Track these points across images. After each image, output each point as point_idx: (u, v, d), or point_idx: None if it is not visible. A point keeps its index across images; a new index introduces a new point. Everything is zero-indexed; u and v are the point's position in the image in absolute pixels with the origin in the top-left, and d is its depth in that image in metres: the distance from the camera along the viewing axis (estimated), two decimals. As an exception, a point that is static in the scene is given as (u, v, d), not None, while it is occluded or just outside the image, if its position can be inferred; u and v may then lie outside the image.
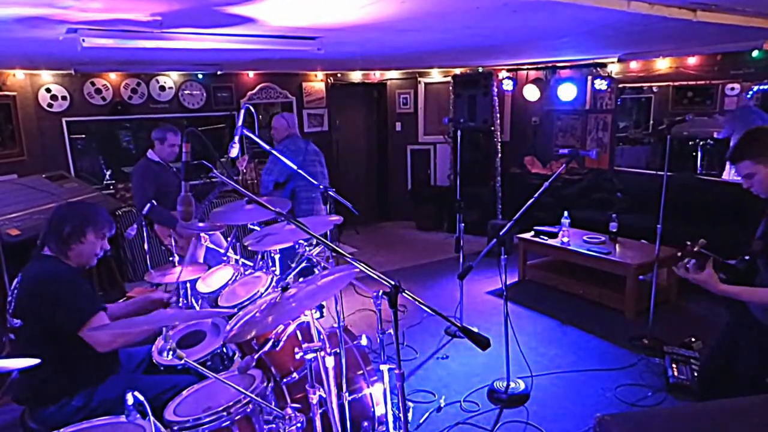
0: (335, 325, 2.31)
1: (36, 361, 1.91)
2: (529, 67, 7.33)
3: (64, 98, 5.82)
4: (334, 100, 7.76)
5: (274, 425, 2.00)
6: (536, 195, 3.22)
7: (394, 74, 8.00)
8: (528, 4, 2.66)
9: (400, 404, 1.74)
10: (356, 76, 7.81)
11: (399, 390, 1.69)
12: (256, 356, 2.12)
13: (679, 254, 2.27)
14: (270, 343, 2.22)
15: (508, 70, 7.47)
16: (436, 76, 7.90)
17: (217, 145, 6.48)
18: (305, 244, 2.70)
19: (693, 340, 3.78)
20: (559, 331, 4.38)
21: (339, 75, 7.68)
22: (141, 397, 1.67)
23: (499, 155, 7.18)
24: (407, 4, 2.54)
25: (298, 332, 2.33)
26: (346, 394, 2.27)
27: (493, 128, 7.09)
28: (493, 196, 7.16)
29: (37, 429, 2.23)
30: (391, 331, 1.63)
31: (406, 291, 1.62)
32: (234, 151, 2.66)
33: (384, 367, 2.28)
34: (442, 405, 3.28)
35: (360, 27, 3.20)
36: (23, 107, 5.59)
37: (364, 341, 2.50)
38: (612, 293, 4.73)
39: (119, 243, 5.47)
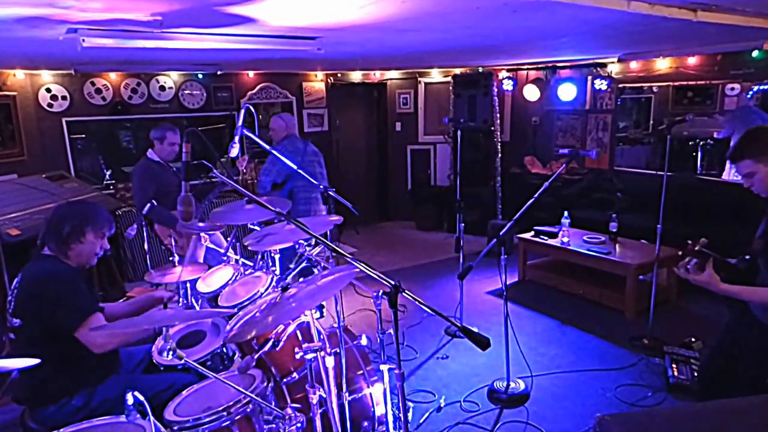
0: (335, 325, 2.31)
1: (36, 360, 1.91)
2: (529, 67, 7.33)
3: (64, 98, 5.82)
4: (334, 100, 7.76)
5: (274, 425, 2.00)
6: (536, 195, 3.21)
7: (394, 74, 8.00)
8: (528, 4, 2.66)
9: (400, 404, 1.74)
10: (356, 76, 7.80)
11: (399, 390, 1.69)
12: (256, 356, 2.12)
13: (680, 253, 2.27)
14: (270, 343, 2.22)
15: (508, 70, 7.46)
16: (436, 76, 7.90)
17: (217, 145, 6.48)
18: (305, 244, 2.70)
19: (693, 340, 3.78)
20: (559, 331, 4.38)
21: (339, 75, 7.67)
22: (141, 397, 1.67)
23: (499, 155, 7.18)
24: (407, 4, 2.54)
25: (298, 332, 2.33)
26: (346, 394, 2.27)
27: (493, 128, 7.08)
28: (493, 196, 7.16)
29: (37, 429, 2.23)
30: (391, 331, 1.63)
31: (406, 291, 1.62)
32: (234, 151, 2.67)
33: (384, 367, 2.28)
34: (442, 405, 3.28)
35: (360, 27, 3.20)
36: (23, 107, 5.59)
37: (364, 341, 2.50)
38: (612, 293, 4.73)
39: (119, 243, 5.46)
